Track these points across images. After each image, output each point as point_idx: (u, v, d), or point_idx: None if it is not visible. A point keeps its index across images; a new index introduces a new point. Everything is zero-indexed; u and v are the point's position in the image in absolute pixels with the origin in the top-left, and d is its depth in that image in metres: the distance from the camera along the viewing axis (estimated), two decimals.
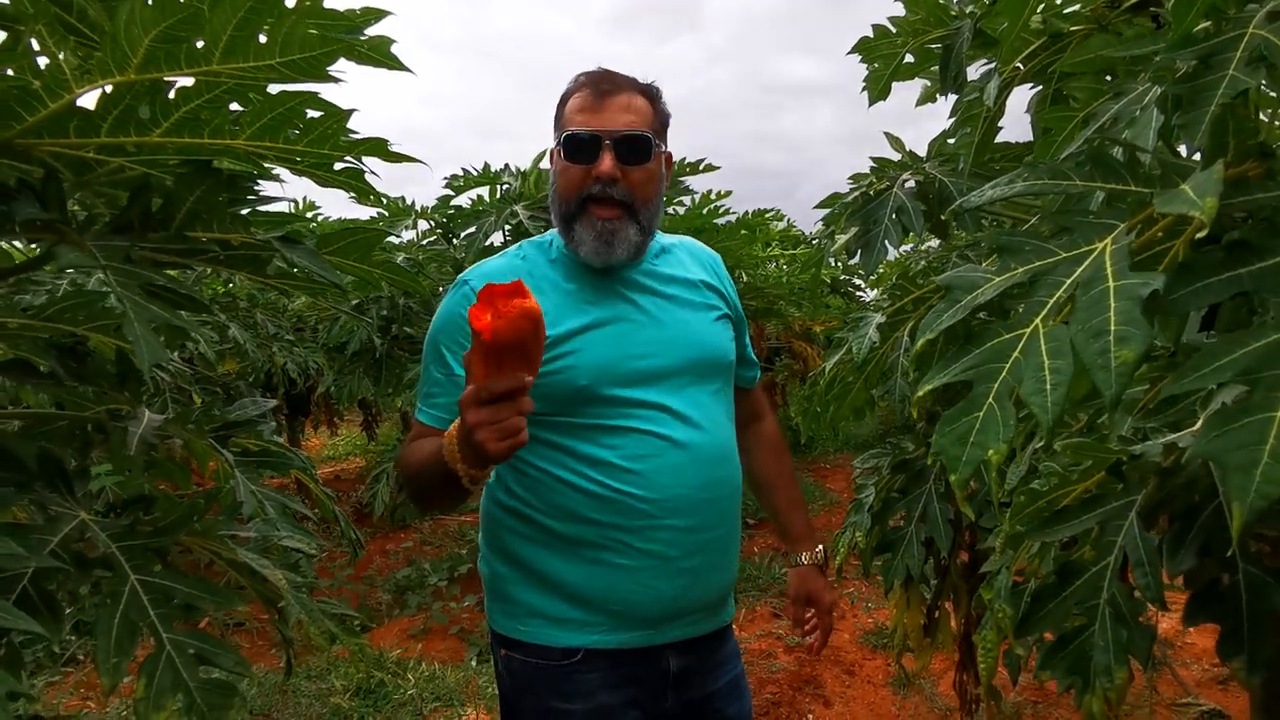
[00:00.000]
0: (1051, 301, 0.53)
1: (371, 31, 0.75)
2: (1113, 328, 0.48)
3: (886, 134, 2.00)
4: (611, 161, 1.27)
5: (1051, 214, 0.59)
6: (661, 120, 1.36)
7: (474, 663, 3.54)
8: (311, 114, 0.76)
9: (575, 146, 1.28)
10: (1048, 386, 0.49)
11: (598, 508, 1.28)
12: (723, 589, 1.40)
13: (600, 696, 1.31)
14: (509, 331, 0.96)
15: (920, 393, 0.56)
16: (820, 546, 1.56)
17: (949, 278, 0.61)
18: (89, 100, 0.76)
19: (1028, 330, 0.53)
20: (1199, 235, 0.49)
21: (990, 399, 0.52)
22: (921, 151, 1.95)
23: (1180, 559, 0.72)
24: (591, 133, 1.28)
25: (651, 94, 1.35)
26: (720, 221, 4.35)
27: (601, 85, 1.31)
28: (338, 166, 0.86)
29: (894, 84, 1.79)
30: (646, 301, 1.36)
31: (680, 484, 1.29)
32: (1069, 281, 0.53)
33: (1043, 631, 0.89)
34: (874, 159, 1.95)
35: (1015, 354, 0.52)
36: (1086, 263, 0.53)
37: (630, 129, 1.29)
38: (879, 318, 1.81)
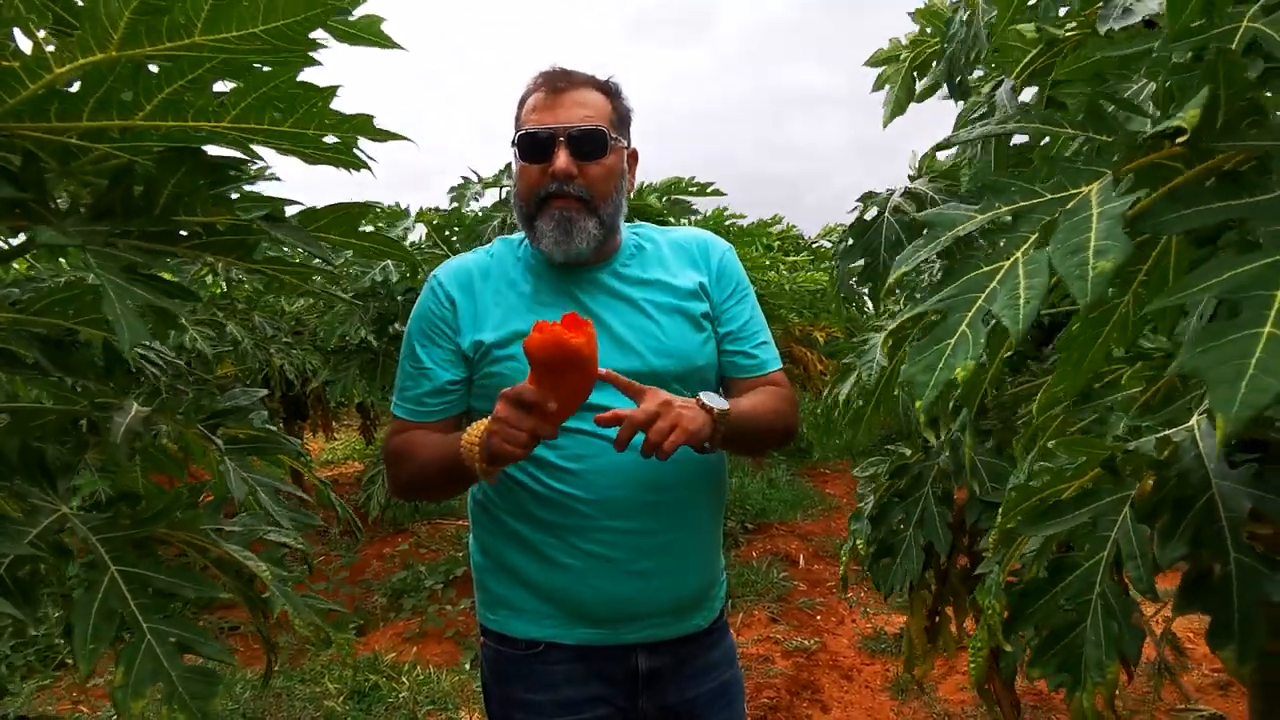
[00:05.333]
0: (1034, 237, 0.52)
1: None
2: (1092, 244, 0.47)
3: (915, 154, 1.94)
4: (567, 158, 1.25)
5: (1040, 160, 0.58)
6: (621, 116, 1.33)
7: (469, 666, 3.52)
8: (295, 93, 0.75)
9: (530, 145, 1.26)
10: (1020, 300, 0.48)
11: (543, 507, 1.29)
12: (686, 594, 1.34)
13: (565, 689, 1.31)
14: (538, 348, 1.02)
15: (901, 320, 0.55)
16: (722, 407, 1.20)
17: (930, 215, 0.60)
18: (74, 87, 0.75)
19: (1007, 263, 0.52)
20: (1180, 141, 0.47)
21: (964, 326, 0.51)
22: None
23: (1172, 548, 0.70)
24: (546, 130, 1.25)
25: (609, 89, 1.32)
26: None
27: (556, 82, 1.28)
28: (328, 140, 0.84)
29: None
30: (604, 307, 1.32)
31: (620, 485, 1.27)
32: (1052, 219, 0.52)
33: (1031, 628, 0.88)
34: (863, 195, 1.91)
35: (993, 284, 0.51)
36: (1072, 203, 0.52)
37: (585, 124, 1.26)
38: (882, 336, 1.81)
